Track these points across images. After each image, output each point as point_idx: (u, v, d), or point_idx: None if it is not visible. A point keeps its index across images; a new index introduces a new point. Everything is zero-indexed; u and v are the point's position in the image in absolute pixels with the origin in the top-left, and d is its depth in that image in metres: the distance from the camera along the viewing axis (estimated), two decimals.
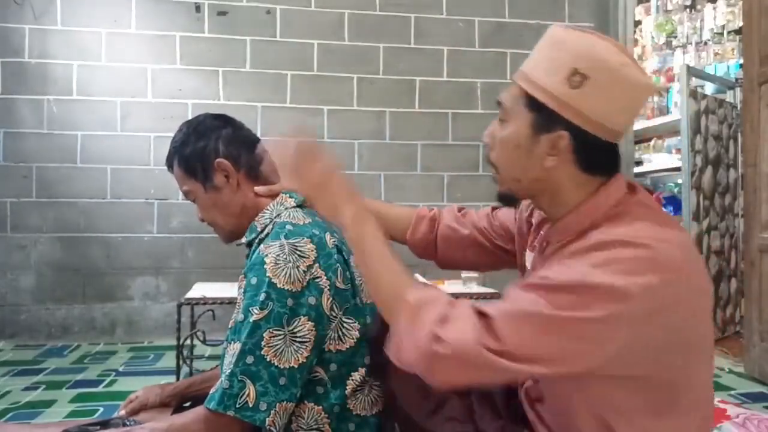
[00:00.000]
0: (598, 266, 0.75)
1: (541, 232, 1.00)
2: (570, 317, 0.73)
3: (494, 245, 1.18)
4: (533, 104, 0.84)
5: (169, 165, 1.17)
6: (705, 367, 0.86)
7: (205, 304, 2.42)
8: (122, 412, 1.26)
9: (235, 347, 0.96)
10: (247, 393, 0.93)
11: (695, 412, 0.84)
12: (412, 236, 1.23)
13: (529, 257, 1.05)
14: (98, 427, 1.13)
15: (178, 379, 2.37)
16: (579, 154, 0.84)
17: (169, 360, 2.95)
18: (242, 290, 1.01)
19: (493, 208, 1.21)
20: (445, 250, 1.23)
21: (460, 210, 1.25)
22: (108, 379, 2.68)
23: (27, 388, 2.52)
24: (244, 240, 1.15)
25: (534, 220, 1.06)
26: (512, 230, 1.15)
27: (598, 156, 0.85)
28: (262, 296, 0.96)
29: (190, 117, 1.20)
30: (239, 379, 0.93)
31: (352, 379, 1.04)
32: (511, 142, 0.87)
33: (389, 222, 1.22)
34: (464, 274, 2.72)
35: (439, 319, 0.78)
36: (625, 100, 0.83)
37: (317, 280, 1.00)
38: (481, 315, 0.77)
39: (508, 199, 0.95)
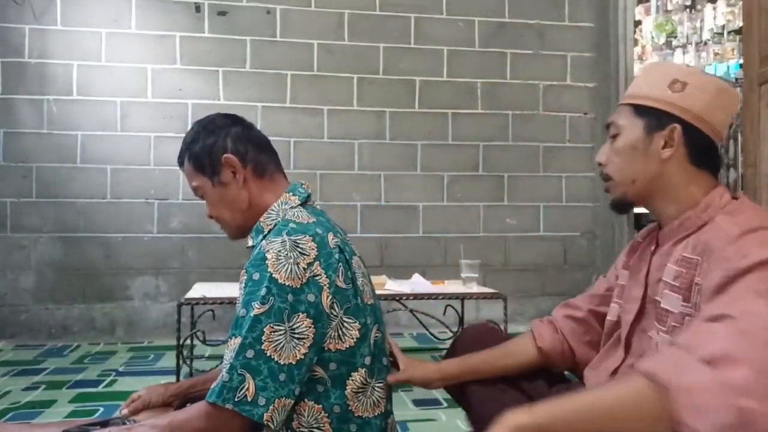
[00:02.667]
0: (762, 245, 0.80)
1: (640, 243, 1.09)
2: None
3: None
4: (643, 111, 0.98)
5: (181, 162, 1.20)
6: None
7: (205, 304, 2.43)
8: (124, 411, 1.26)
9: (236, 341, 0.96)
10: (246, 387, 0.93)
11: None
12: (542, 342, 1.21)
13: (623, 274, 1.11)
14: (98, 427, 1.13)
15: (178, 379, 2.37)
16: (690, 147, 0.96)
17: (169, 360, 2.95)
18: (243, 285, 1.01)
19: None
20: (579, 343, 1.20)
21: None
22: (108, 379, 2.68)
23: (27, 388, 2.52)
24: (250, 242, 1.16)
25: (624, 253, 1.14)
26: (612, 281, 1.17)
27: (705, 150, 0.97)
28: (263, 291, 0.97)
29: (190, 117, 1.22)
30: (239, 372, 0.94)
31: (352, 379, 1.05)
32: (627, 147, 1.00)
33: (509, 348, 1.23)
34: (464, 274, 2.70)
35: (704, 361, 0.72)
36: (722, 100, 0.97)
37: (317, 277, 1.01)
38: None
39: (621, 206, 1.05)
